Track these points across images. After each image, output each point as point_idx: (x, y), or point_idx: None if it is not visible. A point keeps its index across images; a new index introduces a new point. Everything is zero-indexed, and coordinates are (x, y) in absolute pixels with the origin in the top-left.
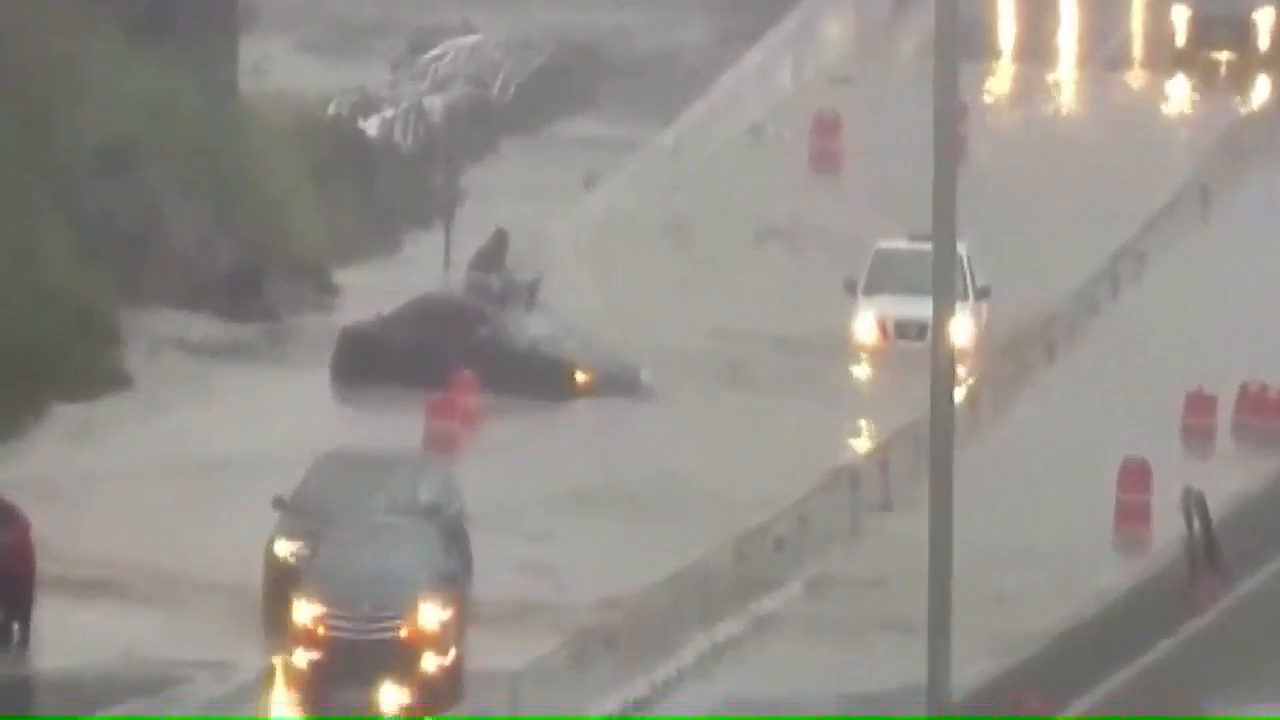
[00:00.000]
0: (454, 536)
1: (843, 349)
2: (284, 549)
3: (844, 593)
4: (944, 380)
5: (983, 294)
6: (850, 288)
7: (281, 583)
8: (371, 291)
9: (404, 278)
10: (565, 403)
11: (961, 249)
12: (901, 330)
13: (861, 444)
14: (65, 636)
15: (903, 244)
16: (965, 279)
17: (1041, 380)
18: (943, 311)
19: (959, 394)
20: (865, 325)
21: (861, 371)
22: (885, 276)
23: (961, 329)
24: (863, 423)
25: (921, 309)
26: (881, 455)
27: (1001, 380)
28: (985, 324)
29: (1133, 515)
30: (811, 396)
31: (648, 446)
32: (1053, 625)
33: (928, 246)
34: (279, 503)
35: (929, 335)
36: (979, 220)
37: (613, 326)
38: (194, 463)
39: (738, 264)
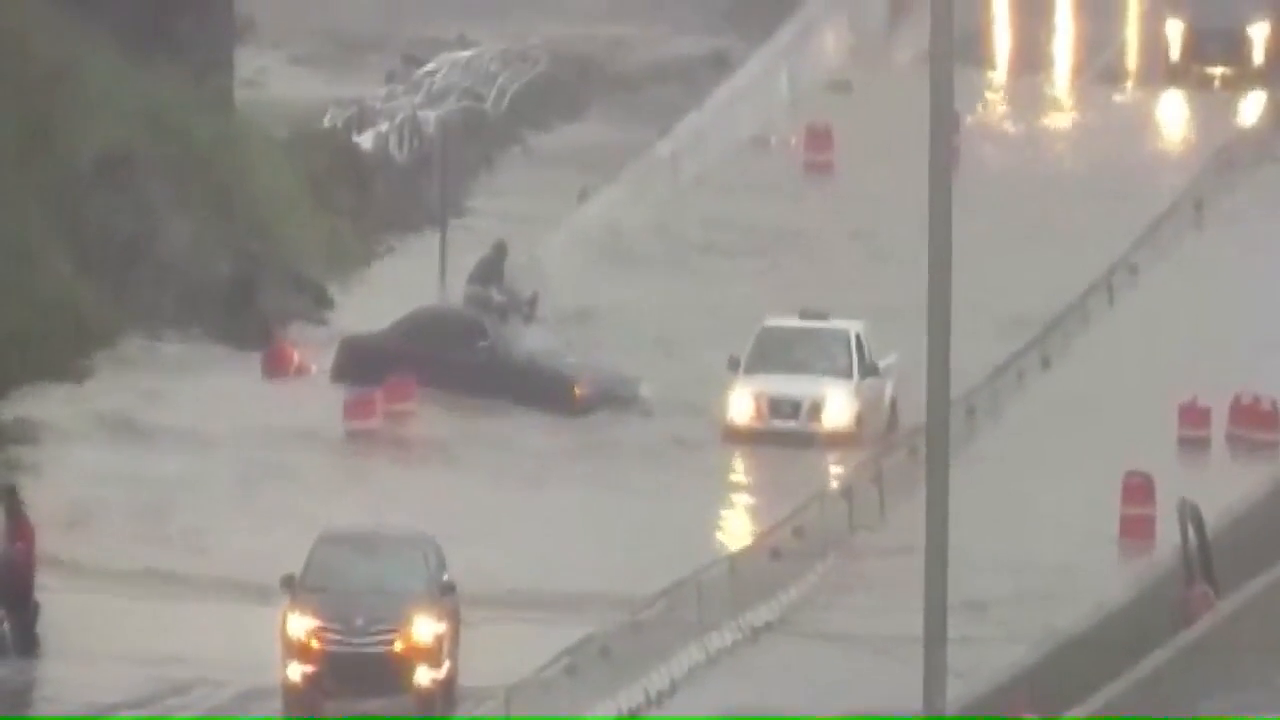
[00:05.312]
0: None
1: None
2: None
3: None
4: (939, 394)
5: (870, 371)
6: (734, 365)
7: None
8: (366, 303)
9: (398, 289)
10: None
11: (855, 327)
12: (776, 409)
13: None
14: None
15: (790, 322)
16: (850, 356)
17: (1036, 389)
18: (940, 324)
19: (836, 481)
20: (741, 403)
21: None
22: (768, 354)
23: (840, 408)
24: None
25: (799, 388)
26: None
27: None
28: (880, 403)
29: (1136, 528)
30: None
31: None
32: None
33: (815, 324)
34: None
35: (802, 415)
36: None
37: (609, 337)
38: None
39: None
